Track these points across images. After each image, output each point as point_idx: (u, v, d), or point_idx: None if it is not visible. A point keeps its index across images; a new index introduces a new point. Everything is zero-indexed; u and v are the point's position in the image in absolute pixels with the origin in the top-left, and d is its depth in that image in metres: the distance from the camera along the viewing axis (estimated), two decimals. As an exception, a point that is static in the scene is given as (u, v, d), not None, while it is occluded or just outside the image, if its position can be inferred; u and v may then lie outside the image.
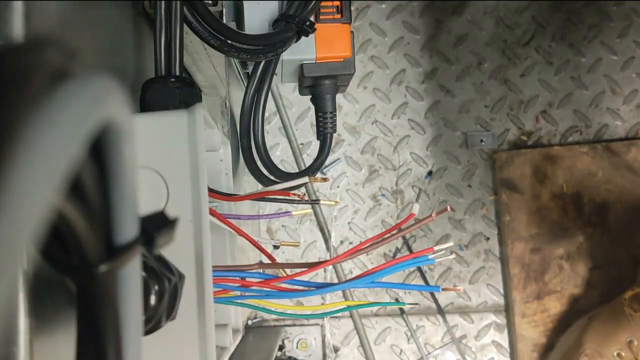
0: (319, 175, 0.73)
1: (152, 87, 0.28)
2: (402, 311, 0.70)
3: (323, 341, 0.70)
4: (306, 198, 0.72)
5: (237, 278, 0.27)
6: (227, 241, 0.34)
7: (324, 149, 0.45)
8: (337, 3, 0.41)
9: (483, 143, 0.73)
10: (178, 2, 0.29)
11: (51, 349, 0.21)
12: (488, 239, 0.72)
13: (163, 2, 0.29)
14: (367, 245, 0.27)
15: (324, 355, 0.70)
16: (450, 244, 0.26)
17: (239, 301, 0.28)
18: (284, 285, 0.27)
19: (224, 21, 0.38)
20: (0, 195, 0.09)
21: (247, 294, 0.28)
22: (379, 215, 0.72)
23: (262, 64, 0.41)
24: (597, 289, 0.68)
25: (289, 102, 0.73)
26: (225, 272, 0.27)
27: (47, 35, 0.23)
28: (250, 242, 0.29)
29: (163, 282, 0.23)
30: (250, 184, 0.49)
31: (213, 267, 0.25)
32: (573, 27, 0.74)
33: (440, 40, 0.74)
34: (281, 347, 0.69)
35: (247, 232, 0.29)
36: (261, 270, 0.28)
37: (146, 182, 0.24)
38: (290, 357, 0.68)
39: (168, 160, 0.25)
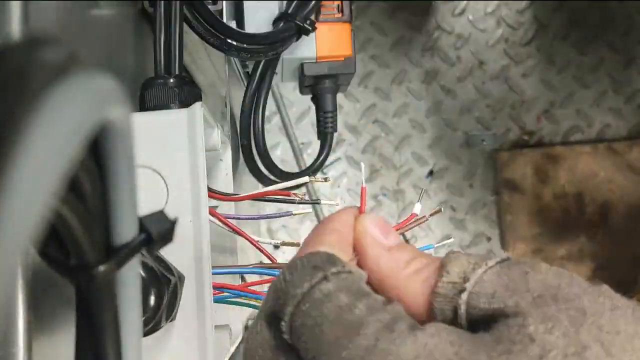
0: (319, 175, 0.73)
1: (152, 86, 0.28)
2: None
3: (324, 341, 0.70)
4: (307, 198, 0.72)
5: (238, 284, 0.27)
6: (227, 241, 0.34)
7: (325, 149, 0.44)
8: (338, 2, 0.41)
9: (484, 143, 0.73)
10: (178, 1, 0.29)
11: (50, 350, 0.21)
12: (490, 239, 0.72)
13: (163, 1, 0.29)
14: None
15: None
16: (451, 239, 0.26)
17: (239, 300, 0.28)
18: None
19: (224, 20, 0.38)
20: (-2, 195, 0.09)
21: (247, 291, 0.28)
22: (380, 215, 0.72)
23: (262, 63, 0.40)
24: (598, 289, 0.68)
25: (289, 101, 0.73)
26: (225, 270, 0.27)
27: (46, 34, 0.22)
28: (250, 242, 0.29)
29: (162, 283, 0.23)
30: (250, 184, 0.49)
31: (213, 267, 0.25)
32: (575, 26, 0.74)
33: (441, 40, 0.74)
34: (282, 348, 0.69)
35: (247, 232, 0.29)
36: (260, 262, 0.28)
37: (146, 182, 0.24)
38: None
39: (168, 160, 0.25)
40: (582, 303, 0.16)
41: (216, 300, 0.25)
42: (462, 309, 0.17)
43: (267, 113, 0.43)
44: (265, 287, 0.28)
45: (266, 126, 0.46)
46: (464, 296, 0.17)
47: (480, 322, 0.17)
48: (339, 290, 0.17)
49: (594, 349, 0.15)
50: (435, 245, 0.28)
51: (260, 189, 0.33)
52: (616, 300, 0.16)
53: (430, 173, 0.72)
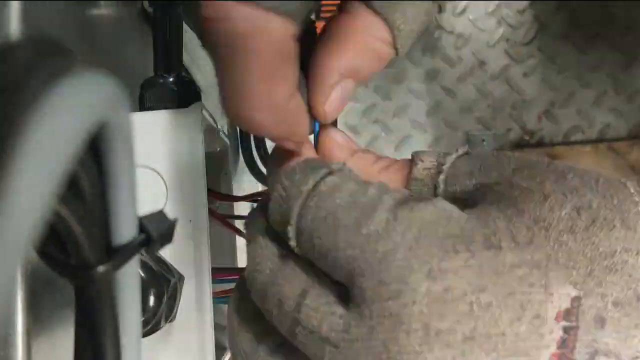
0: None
1: (151, 86, 0.28)
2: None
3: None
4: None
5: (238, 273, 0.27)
6: (227, 241, 0.34)
7: (325, 149, 0.44)
8: (338, 1, 0.41)
9: (485, 143, 0.73)
10: (177, 0, 0.29)
11: (49, 350, 0.21)
12: (489, 239, 0.72)
13: (162, 1, 0.29)
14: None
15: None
16: None
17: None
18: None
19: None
20: (-3, 195, 0.09)
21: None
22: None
23: (262, 63, 0.40)
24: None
25: (289, 101, 0.73)
26: (225, 271, 0.27)
27: (46, 34, 0.22)
28: (251, 242, 0.29)
29: (162, 283, 0.23)
30: (250, 184, 0.49)
31: (213, 268, 0.25)
32: (576, 26, 0.74)
33: (442, 39, 0.74)
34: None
35: (247, 232, 0.29)
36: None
37: (145, 182, 0.24)
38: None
39: (168, 160, 0.25)
40: (556, 167, 0.16)
41: (217, 302, 0.25)
42: (441, 188, 0.18)
43: (267, 113, 0.43)
44: None
45: (266, 126, 0.46)
46: (442, 176, 0.17)
47: (462, 202, 0.17)
48: (346, 181, 0.17)
49: (587, 194, 0.15)
50: None
51: (260, 189, 0.33)
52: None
53: (431, 173, 0.73)
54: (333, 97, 0.19)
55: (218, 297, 0.26)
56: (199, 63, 0.43)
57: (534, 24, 0.74)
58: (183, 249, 0.24)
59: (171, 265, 0.24)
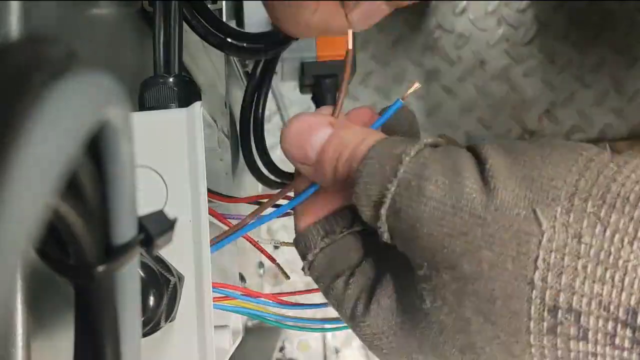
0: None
1: (151, 85, 0.28)
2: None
3: (324, 342, 0.70)
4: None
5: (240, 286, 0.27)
6: (227, 241, 0.34)
7: (325, 149, 0.44)
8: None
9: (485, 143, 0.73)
10: (177, 0, 0.29)
11: (49, 350, 0.21)
12: (489, 239, 0.72)
13: (162, 0, 0.29)
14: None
15: (325, 357, 0.69)
16: (416, 85, 0.22)
17: (238, 303, 0.27)
18: (286, 299, 0.27)
19: (224, 19, 0.38)
20: (-4, 194, 0.09)
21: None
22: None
23: (262, 63, 0.40)
24: (599, 289, 0.68)
25: (289, 101, 0.72)
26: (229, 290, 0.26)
27: (45, 34, 0.22)
28: (250, 242, 0.29)
29: (162, 283, 0.23)
30: (251, 184, 0.49)
31: (214, 284, 0.25)
32: (576, 26, 0.74)
33: (442, 39, 0.74)
34: (281, 349, 0.69)
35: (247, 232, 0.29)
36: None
37: (145, 182, 0.24)
38: (290, 359, 0.68)
39: (167, 160, 0.25)
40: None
41: (216, 307, 0.25)
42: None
43: (267, 113, 0.43)
44: (268, 300, 0.27)
45: (266, 126, 0.46)
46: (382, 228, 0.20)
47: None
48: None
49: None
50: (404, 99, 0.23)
51: (260, 188, 0.33)
52: None
53: (431, 173, 0.72)
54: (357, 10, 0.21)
55: (217, 304, 0.25)
56: (199, 63, 0.43)
57: (534, 23, 0.74)
58: (183, 249, 0.24)
59: (171, 265, 0.24)
